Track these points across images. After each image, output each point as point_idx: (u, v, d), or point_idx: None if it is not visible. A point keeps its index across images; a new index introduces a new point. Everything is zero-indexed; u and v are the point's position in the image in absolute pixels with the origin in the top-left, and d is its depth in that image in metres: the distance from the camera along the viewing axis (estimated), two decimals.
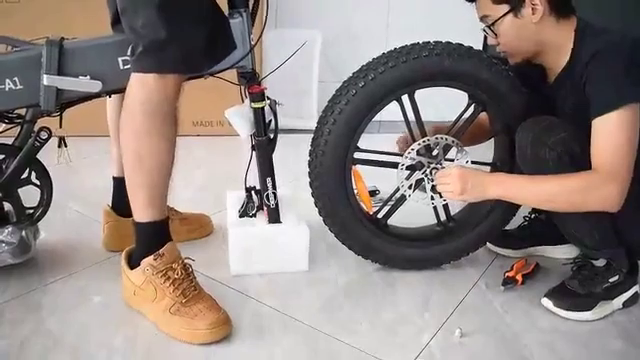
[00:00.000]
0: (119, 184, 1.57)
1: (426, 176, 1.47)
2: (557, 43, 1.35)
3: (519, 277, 1.47)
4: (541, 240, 1.67)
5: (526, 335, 1.30)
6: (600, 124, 1.24)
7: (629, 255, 1.41)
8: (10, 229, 1.38)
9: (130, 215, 1.52)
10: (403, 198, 1.52)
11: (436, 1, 2.63)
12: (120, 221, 1.57)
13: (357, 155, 1.46)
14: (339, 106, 1.39)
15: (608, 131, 1.23)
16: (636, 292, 1.42)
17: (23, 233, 1.40)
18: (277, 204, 1.52)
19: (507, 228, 1.63)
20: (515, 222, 1.64)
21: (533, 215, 1.70)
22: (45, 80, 1.28)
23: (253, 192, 1.57)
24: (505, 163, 1.51)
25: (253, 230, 1.52)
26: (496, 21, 1.35)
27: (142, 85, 1.21)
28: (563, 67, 1.36)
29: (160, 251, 1.26)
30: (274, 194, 1.51)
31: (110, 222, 1.58)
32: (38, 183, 1.44)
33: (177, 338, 1.22)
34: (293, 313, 1.34)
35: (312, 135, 1.48)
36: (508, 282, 1.46)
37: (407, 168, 1.48)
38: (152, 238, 1.27)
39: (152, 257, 1.25)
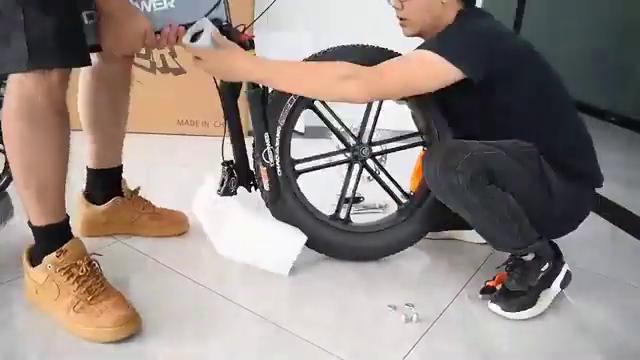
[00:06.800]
0: (93, 175, 1.55)
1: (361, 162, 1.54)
2: (445, 23, 1.40)
3: (499, 287, 1.45)
4: (457, 224, 1.66)
5: (508, 347, 1.29)
6: (411, 51, 1.31)
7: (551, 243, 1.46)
8: None
9: (101, 202, 1.54)
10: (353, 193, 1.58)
11: None
12: (90, 208, 1.54)
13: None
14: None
15: (411, 55, 1.31)
16: (568, 271, 1.45)
17: None
18: (276, 162, 1.43)
19: None
20: None
21: None
22: None
23: (232, 166, 1.47)
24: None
25: (251, 222, 1.47)
26: None
27: (7, 90, 1.12)
28: None
29: (63, 247, 1.19)
30: (272, 150, 1.41)
31: (81, 209, 1.55)
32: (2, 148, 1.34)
33: (82, 337, 1.16)
34: (275, 319, 1.29)
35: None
36: (487, 291, 1.44)
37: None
38: (51, 238, 1.21)
39: (55, 254, 1.19)
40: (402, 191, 1.62)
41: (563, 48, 3.69)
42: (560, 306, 1.45)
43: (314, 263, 1.55)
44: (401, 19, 1.44)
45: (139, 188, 1.62)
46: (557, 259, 1.44)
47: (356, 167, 1.56)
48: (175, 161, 2.24)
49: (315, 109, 1.51)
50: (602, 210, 2.06)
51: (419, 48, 1.34)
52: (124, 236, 1.58)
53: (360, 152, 1.54)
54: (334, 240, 1.54)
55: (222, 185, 1.47)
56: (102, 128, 1.50)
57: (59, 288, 1.19)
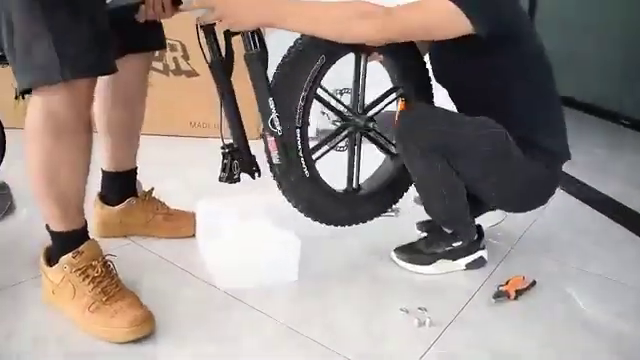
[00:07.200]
0: (108, 177, 1.56)
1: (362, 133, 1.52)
2: None
3: (512, 292, 1.44)
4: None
5: (522, 351, 1.28)
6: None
7: (479, 228, 1.56)
8: None
9: (115, 204, 1.56)
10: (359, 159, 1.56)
11: None
12: (105, 209, 1.56)
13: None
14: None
15: (428, 1, 1.29)
16: (481, 257, 1.54)
17: None
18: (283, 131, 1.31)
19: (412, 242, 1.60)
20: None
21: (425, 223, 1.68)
22: None
23: (233, 149, 1.36)
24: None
25: (245, 232, 1.44)
26: None
27: (32, 103, 1.11)
28: None
29: (80, 248, 1.20)
30: (279, 118, 1.29)
31: (97, 210, 1.56)
32: None
33: (97, 337, 1.16)
34: (286, 320, 1.29)
35: None
36: (500, 295, 1.43)
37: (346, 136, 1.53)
38: (69, 241, 1.22)
39: (71, 254, 1.20)
40: (392, 144, 1.58)
41: (574, 50, 3.67)
42: (574, 311, 1.45)
43: (326, 265, 1.55)
44: None
45: (153, 189, 1.63)
46: (475, 243, 1.52)
47: (357, 137, 1.54)
48: (188, 163, 2.26)
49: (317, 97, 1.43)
50: (614, 213, 2.05)
51: None
52: (138, 237, 1.59)
53: (358, 122, 1.51)
54: (352, 211, 1.56)
55: (224, 171, 1.36)
56: (118, 132, 1.51)
57: (75, 288, 1.20)
